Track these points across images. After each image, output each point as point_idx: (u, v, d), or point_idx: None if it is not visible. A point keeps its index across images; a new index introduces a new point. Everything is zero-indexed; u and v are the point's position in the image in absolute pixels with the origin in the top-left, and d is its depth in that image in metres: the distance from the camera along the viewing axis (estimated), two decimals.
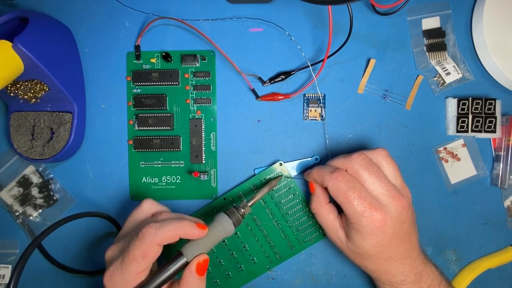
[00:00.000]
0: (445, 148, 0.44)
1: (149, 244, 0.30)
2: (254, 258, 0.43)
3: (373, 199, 0.33)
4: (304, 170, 0.42)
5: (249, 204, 0.36)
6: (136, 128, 0.42)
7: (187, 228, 0.31)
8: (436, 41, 0.43)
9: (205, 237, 0.32)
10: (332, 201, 0.37)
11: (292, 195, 0.42)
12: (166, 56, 0.42)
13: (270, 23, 0.43)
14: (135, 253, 0.30)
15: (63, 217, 0.37)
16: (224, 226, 0.33)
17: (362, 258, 0.36)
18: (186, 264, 0.32)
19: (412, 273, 0.35)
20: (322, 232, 0.43)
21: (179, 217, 0.33)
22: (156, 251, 0.30)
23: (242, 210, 0.35)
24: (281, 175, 0.42)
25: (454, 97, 0.43)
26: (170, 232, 0.30)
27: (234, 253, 0.42)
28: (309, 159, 0.43)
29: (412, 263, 0.35)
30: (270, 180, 0.42)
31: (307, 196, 0.43)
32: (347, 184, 0.34)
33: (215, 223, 0.33)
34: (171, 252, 0.42)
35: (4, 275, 0.43)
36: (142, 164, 0.43)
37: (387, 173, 0.35)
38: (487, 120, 0.42)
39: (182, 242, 0.33)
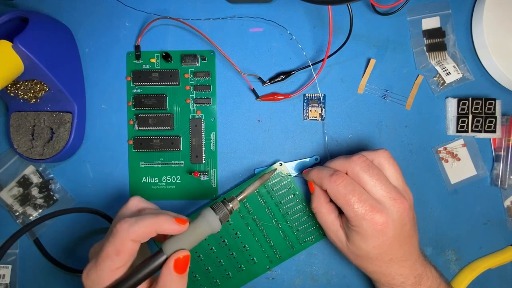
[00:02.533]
0: (445, 148, 0.44)
1: (122, 241, 0.28)
2: (254, 258, 0.43)
3: (374, 202, 0.33)
4: (303, 169, 0.42)
5: (238, 199, 0.33)
6: (136, 128, 0.42)
7: (165, 223, 0.29)
8: (436, 41, 0.43)
9: (188, 233, 0.30)
10: (332, 200, 0.37)
11: (292, 195, 0.42)
12: (166, 56, 0.42)
13: (271, 22, 0.43)
14: (108, 250, 0.28)
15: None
16: (209, 221, 0.31)
17: (362, 260, 0.36)
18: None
19: (412, 276, 0.35)
20: (322, 232, 0.43)
21: (158, 212, 0.32)
22: (131, 248, 0.28)
23: (230, 205, 0.33)
24: (275, 169, 0.42)
25: (454, 97, 0.43)
26: (145, 228, 0.29)
27: (234, 253, 0.42)
28: (309, 159, 0.43)
29: (412, 266, 0.35)
30: (263, 173, 0.41)
31: (307, 196, 0.43)
32: (346, 187, 0.33)
33: (200, 218, 0.31)
34: None
35: (4, 275, 0.43)
36: (142, 164, 0.43)
37: (389, 175, 0.35)
38: (487, 120, 0.42)
39: None
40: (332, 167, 0.36)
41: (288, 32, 0.43)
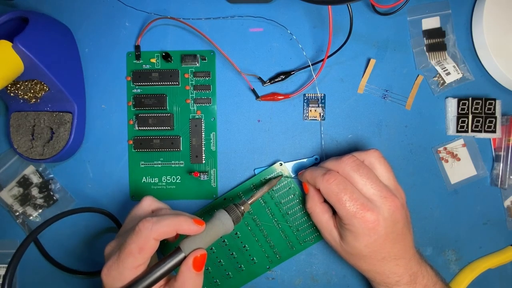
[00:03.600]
0: (445, 148, 0.44)
1: (145, 238, 0.29)
2: (254, 258, 0.43)
3: (365, 200, 0.33)
4: (299, 171, 0.42)
5: (248, 202, 0.36)
6: (136, 128, 0.42)
7: (184, 223, 0.31)
8: (436, 41, 0.43)
9: (204, 233, 0.32)
10: (327, 201, 0.37)
11: (292, 195, 0.42)
12: (166, 56, 0.42)
13: (271, 21, 0.43)
14: (132, 247, 0.29)
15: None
16: (223, 222, 0.33)
17: (355, 259, 0.36)
18: (184, 259, 0.31)
19: (407, 274, 0.35)
20: None
21: (177, 213, 0.33)
22: (153, 246, 0.30)
23: (242, 208, 0.35)
24: (281, 175, 0.42)
25: (454, 97, 0.43)
26: (167, 227, 0.30)
27: (234, 253, 0.42)
28: (309, 159, 0.43)
29: (406, 264, 0.35)
30: (270, 179, 0.42)
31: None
32: (338, 186, 0.34)
33: (215, 219, 0.33)
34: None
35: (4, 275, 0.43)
36: (142, 164, 0.43)
37: (380, 174, 0.35)
38: (487, 120, 0.42)
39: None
40: (325, 167, 0.37)
41: (289, 31, 0.43)
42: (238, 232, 0.42)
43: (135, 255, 0.29)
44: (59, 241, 0.43)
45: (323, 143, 0.43)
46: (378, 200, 0.34)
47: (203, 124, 0.43)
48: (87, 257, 0.43)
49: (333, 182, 0.34)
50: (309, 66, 0.42)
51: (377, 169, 0.36)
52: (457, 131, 0.42)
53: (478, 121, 0.42)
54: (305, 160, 0.43)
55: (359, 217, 0.33)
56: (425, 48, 0.43)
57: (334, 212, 0.37)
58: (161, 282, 0.32)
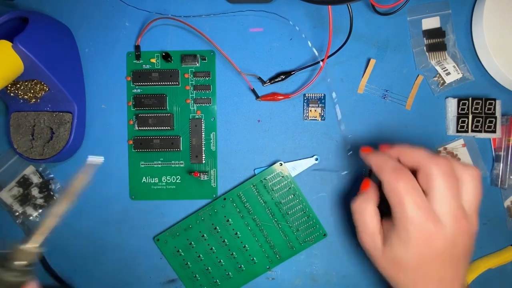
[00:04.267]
0: (445, 148, 0.44)
1: None
2: (254, 258, 0.43)
3: (431, 210, 0.30)
4: (303, 169, 0.42)
5: (23, 248, 0.22)
6: (136, 128, 0.42)
7: None
8: (436, 41, 0.43)
9: None
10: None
11: (292, 195, 0.42)
12: (166, 56, 0.42)
13: (273, 14, 0.43)
14: None
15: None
16: None
17: (396, 268, 0.32)
18: None
19: None
20: (322, 232, 0.43)
21: None
22: None
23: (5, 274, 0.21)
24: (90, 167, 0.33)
25: (454, 97, 0.43)
26: None
27: (234, 253, 0.42)
28: (309, 159, 0.43)
29: None
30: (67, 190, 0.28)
31: (308, 196, 0.43)
32: (406, 186, 0.30)
33: None
34: None
35: None
36: (142, 164, 0.43)
37: (465, 194, 0.31)
38: (487, 120, 0.42)
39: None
40: (408, 155, 0.33)
41: (291, 23, 0.43)
42: (238, 232, 0.42)
43: None
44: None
45: (349, 135, 0.43)
46: (447, 217, 0.30)
47: (203, 124, 0.43)
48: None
49: (401, 180, 0.30)
50: (308, 66, 0.42)
51: (466, 189, 0.31)
52: (457, 131, 0.42)
53: (478, 121, 0.42)
54: (307, 159, 0.43)
55: (417, 224, 0.29)
56: (425, 48, 0.43)
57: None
58: None
